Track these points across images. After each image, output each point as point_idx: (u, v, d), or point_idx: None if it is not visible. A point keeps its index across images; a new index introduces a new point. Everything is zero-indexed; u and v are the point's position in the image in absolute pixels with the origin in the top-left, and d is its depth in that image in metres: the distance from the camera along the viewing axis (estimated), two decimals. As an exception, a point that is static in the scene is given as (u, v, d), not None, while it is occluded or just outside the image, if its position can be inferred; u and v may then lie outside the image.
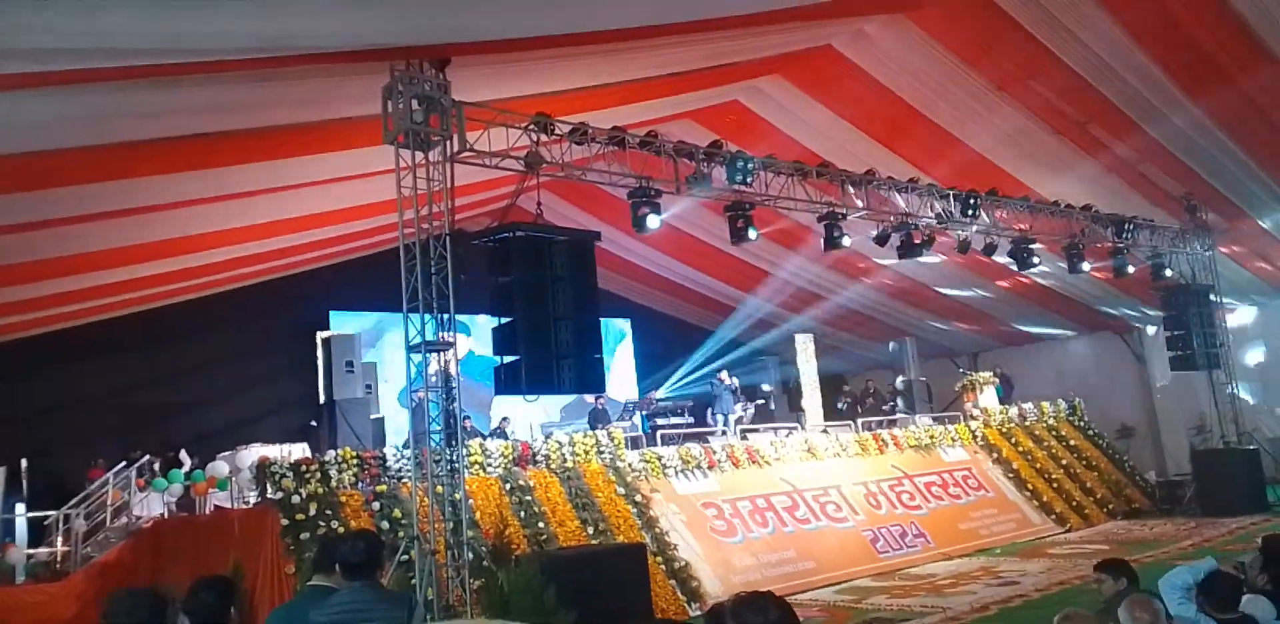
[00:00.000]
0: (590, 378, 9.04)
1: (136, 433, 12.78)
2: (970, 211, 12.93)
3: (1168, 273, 15.86)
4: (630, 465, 11.50)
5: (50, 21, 5.37)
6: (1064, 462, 16.12)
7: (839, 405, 17.33)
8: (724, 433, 14.43)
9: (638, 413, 15.75)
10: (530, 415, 14.79)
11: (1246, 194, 14.59)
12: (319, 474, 9.34)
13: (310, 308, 14.95)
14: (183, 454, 12.48)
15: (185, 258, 11.68)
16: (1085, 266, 14.66)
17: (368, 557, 3.68)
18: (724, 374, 15.58)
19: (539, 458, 10.88)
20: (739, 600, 2.33)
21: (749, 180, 10.73)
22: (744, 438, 13.86)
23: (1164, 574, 4.55)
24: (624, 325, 20.32)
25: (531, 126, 9.10)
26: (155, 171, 8.61)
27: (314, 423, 12.04)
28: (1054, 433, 16.83)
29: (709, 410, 15.64)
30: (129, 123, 7.50)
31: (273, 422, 12.83)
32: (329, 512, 9.10)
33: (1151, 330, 18.92)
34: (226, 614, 3.23)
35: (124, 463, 11.64)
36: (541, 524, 10.01)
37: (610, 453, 11.50)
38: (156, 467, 12.21)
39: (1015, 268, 14.54)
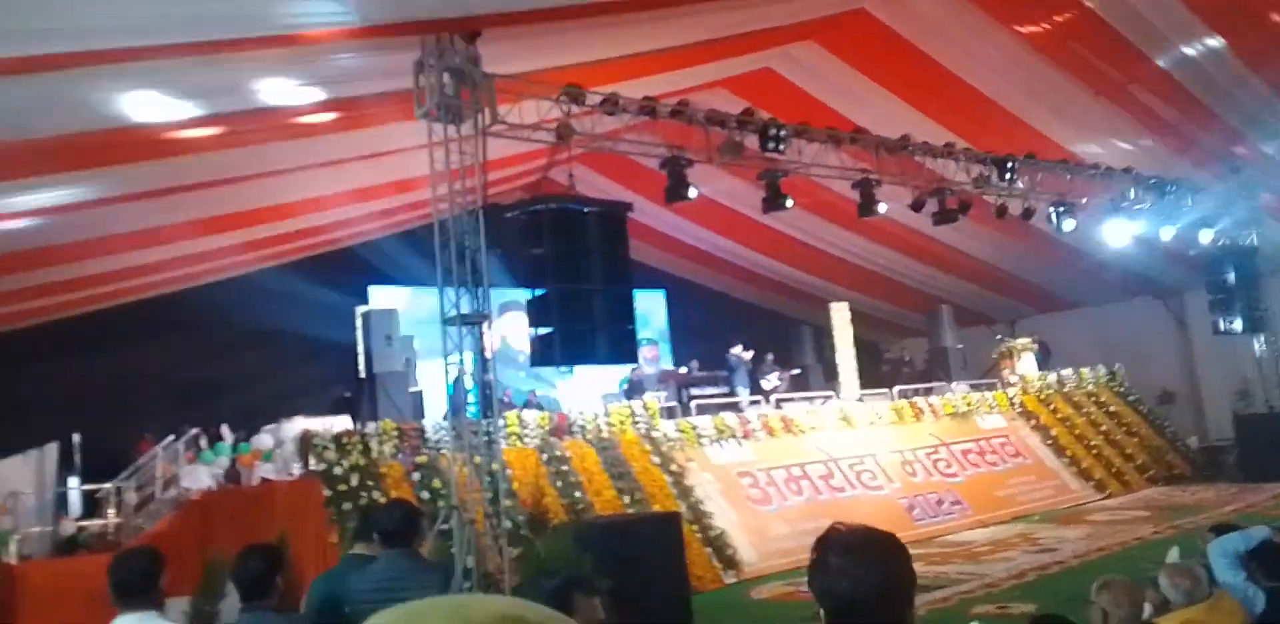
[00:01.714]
0: (624, 349, 9.09)
1: (184, 408, 13.06)
2: (1008, 175, 12.73)
3: (1210, 235, 15.53)
4: (665, 435, 11.59)
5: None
6: (1103, 428, 15.98)
7: (884, 367, 17.26)
8: (743, 406, 14.35)
9: (672, 384, 15.78)
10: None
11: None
12: (360, 446, 9.53)
13: (351, 283, 15.14)
14: (224, 429, 12.75)
15: (230, 234, 11.83)
16: (1127, 229, 14.40)
17: (405, 525, 3.78)
18: (738, 348, 15.53)
19: (575, 428, 11.00)
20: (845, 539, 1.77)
21: (782, 148, 10.64)
22: (779, 407, 13.89)
23: (1210, 541, 4.53)
24: (658, 297, 20.31)
25: (562, 98, 9.07)
26: (197, 149, 8.71)
27: (347, 394, 12.22)
28: (1093, 399, 16.68)
29: (730, 385, 15.58)
30: (178, 100, 7.60)
31: (315, 395, 13.04)
32: (370, 482, 9.29)
33: (1193, 294, 18.55)
34: (272, 581, 3.33)
35: (172, 437, 11.93)
36: (578, 494, 10.15)
37: (645, 423, 11.59)
38: (203, 441, 12.50)
39: (1053, 231, 14.31)
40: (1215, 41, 11.21)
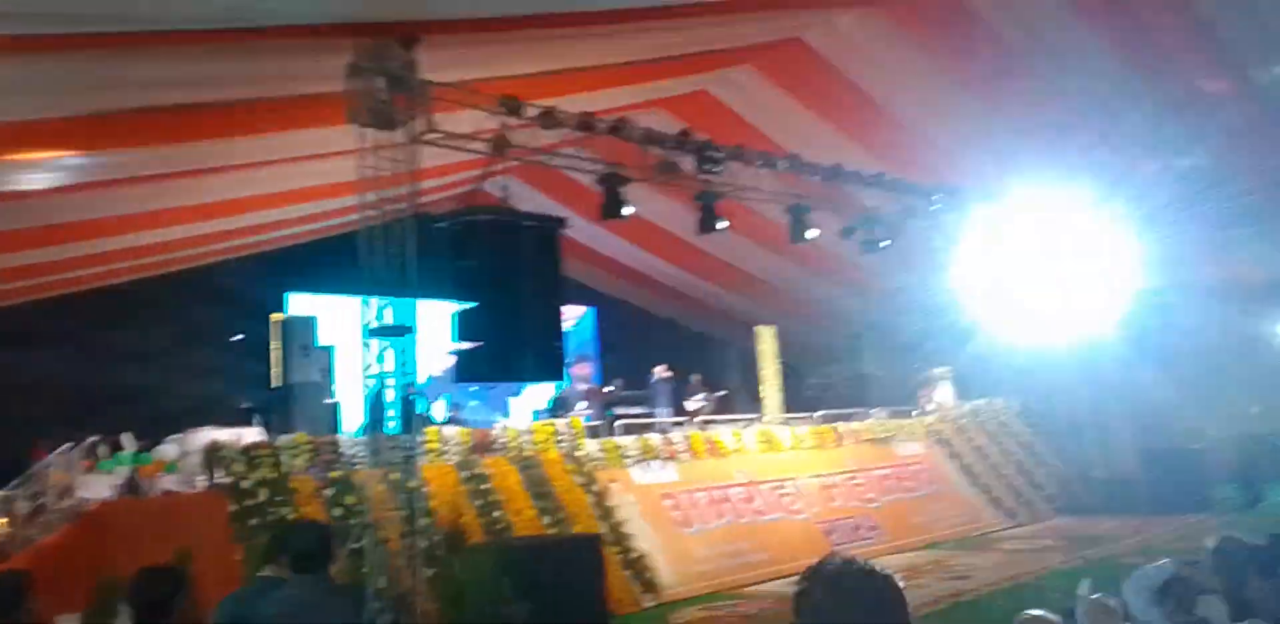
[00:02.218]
0: (551, 365, 8.95)
1: (83, 414, 12.42)
2: (933, 207, 12.99)
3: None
4: (589, 454, 11.44)
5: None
6: (1015, 457, 16.36)
7: (807, 391, 17.43)
8: (666, 428, 14.35)
9: (597, 402, 15.68)
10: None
11: (1208, 198, 14.80)
12: (270, 459, 9.17)
13: (268, 290, 14.68)
14: (125, 437, 12.14)
15: (138, 235, 11.35)
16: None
17: (318, 548, 3.58)
18: (661, 369, 15.56)
19: (497, 446, 10.78)
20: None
21: (718, 170, 10.67)
22: (704, 428, 13.87)
23: (1123, 573, 4.58)
24: (587, 313, 20.21)
25: (499, 109, 8.92)
26: (106, 146, 8.32)
27: (247, 405, 11.80)
28: (1006, 429, 17.07)
29: (650, 405, 15.58)
30: (80, 94, 7.23)
31: (225, 405, 12.57)
32: (280, 498, 8.93)
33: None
34: (170, 606, 3.11)
35: (69, 444, 11.32)
36: (498, 513, 9.92)
37: (569, 442, 11.43)
38: (103, 449, 11.88)
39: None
40: (1131, 77, 11.63)
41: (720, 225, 11.38)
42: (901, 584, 1.72)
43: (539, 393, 16.78)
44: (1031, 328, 19.99)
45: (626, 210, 10.36)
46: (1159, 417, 16.86)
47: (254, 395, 12.10)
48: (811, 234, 12.25)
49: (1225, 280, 17.74)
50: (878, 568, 1.70)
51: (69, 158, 8.26)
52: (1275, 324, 18.51)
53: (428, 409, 13.35)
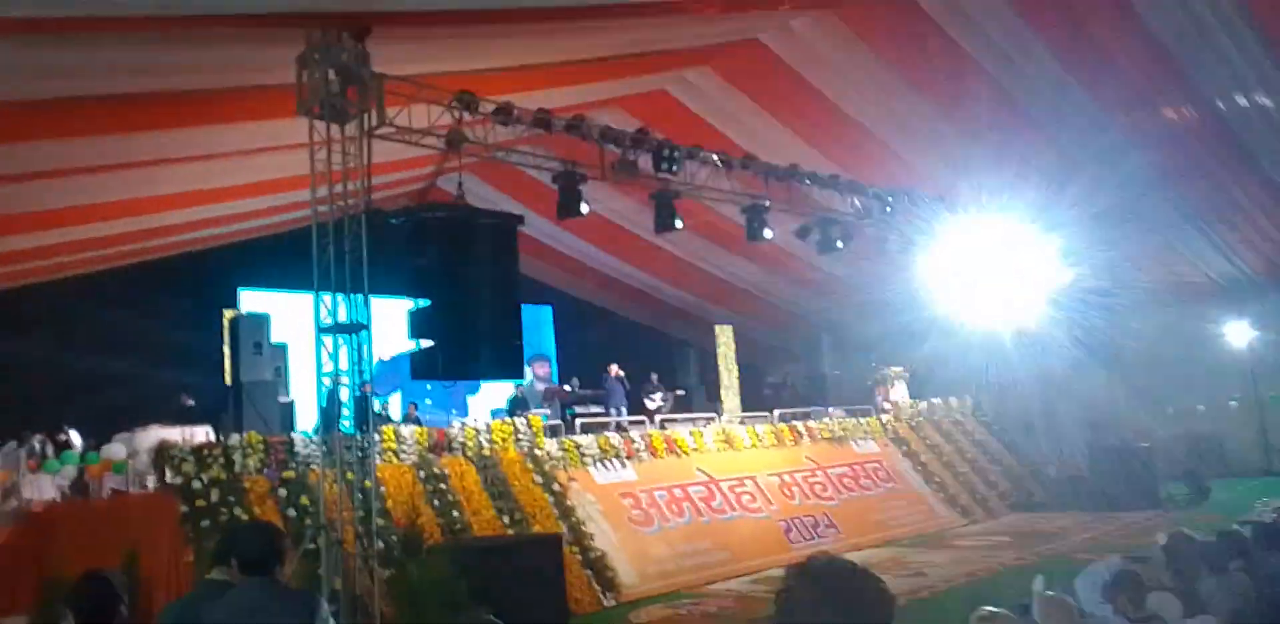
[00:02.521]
0: (509, 364, 8.88)
1: (27, 411, 12.12)
2: (887, 209, 13.13)
3: (1069, 274, 16.39)
4: (548, 454, 11.37)
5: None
6: (969, 455, 16.57)
7: (766, 390, 17.51)
8: (624, 425, 14.34)
9: (556, 401, 15.61)
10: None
11: (1148, 200, 15.12)
12: (222, 459, 8.98)
13: (219, 285, 14.42)
14: (72, 435, 11.85)
15: (84, 228, 11.07)
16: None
17: (267, 552, 3.47)
18: (614, 368, 15.57)
19: (455, 445, 10.67)
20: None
21: (675, 169, 10.68)
22: (663, 427, 13.86)
23: (1075, 570, 4.64)
24: (545, 312, 20.13)
25: (454, 104, 8.84)
26: (50, 135, 8.10)
27: (190, 402, 11.56)
28: (960, 427, 17.29)
29: (604, 405, 15.58)
30: (24, 80, 7.02)
31: (176, 403, 12.30)
32: (232, 498, 8.74)
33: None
34: (113, 612, 3.00)
35: (13, 442, 11.03)
36: (456, 513, 9.82)
37: (529, 441, 11.35)
38: (49, 448, 11.58)
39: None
40: (1073, 84, 11.84)
41: (677, 225, 11.39)
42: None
43: (497, 391, 16.69)
44: (983, 328, 20.37)
45: (583, 208, 10.33)
46: (1108, 415, 17.18)
47: (205, 393, 11.87)
48: (768, 234, 12.29)
49: (1171, 282, 18.17)
50: (861, 567, 1.66)
51: (6, 146, 8.01)
52: (1219, 325, 18.95)
53: (385, 405, 13.22)
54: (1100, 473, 16.02)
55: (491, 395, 17.12)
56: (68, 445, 11.74)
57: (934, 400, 17.48)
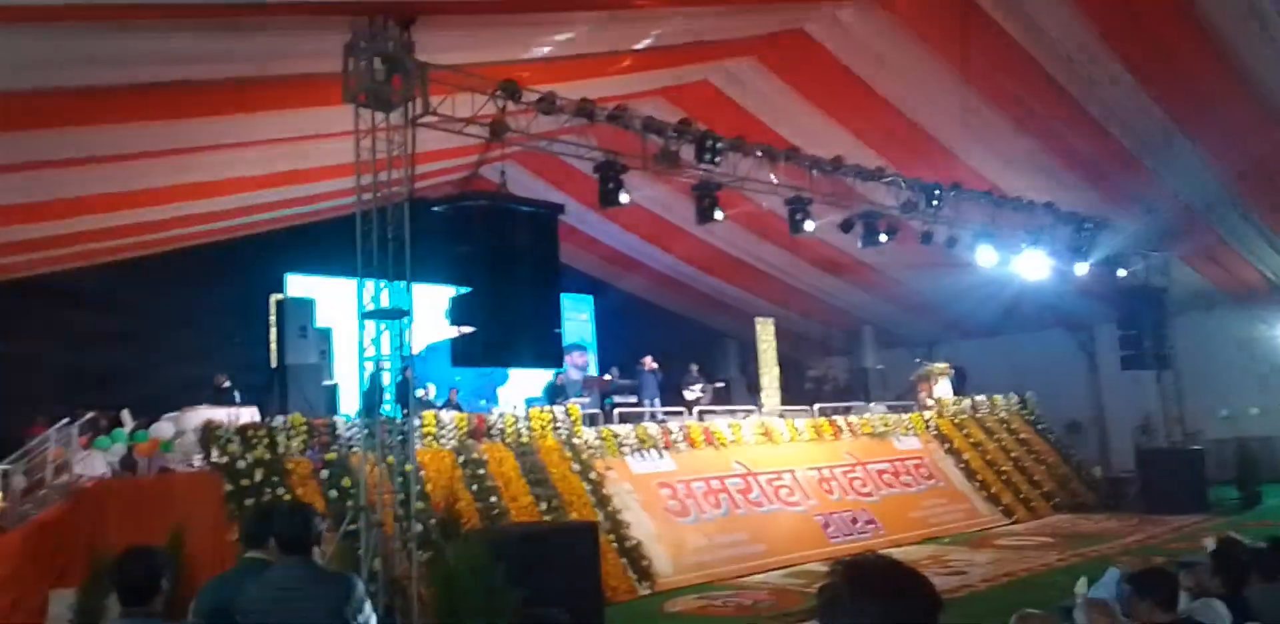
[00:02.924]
0: (548, 352, 8.91)
1: (81, 391, 12.44)
2: (934, 203, 12.96)
3: (1122, 273, 16.07)
4: (586, 442, 11.43)
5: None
6: (1013, 454, 16.31)
7: (807, 384, 17.42)
8: (659, 416, 14.36)
9: (595, 391, 15.65)
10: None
11: (1206, 200, 14.77)
12: (266, 440, 9.16)
13: (267, 270, 14.65)
14: (124, 414, 12.14)
15: (138, 212, 11.33)
16: (1042, 262, 14.76)
17: (304, 532, 3.51)
18: (647, 360, 15.56)
19: (494, 432, 10.76)
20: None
21: (717, 160, 10.63)
22: (701, 419, 13.85)
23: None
24: (586, 302, 20.18)
25: (498, 93, 8.88)
26: (107, 121, 8.29)
27: (226, 384, 11.77)
28: (1005, 425, 17.03)
29: (639, 396, 15.58)
30: (82, 68, 7.19)
31: (211, 384, 12.55)
32: (275, 478, 8.94)
33: (1103, 329, 19.17)
34: (154, 588, 3.07)
35: (66, 420, 11.33)
36: (494, 499, 9.91)
37: (567, 429, 11.41)
38: (101, 425, 11.89)
39: (974, 260, 14.59)
40: (1135, 86, 11.57)
41: (718, 216, 11.33)
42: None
43: (527, 381, 16.75)
44: (1030, 325, 20.06)
45: (624, 198, 10.32)
46: (1157, 416, 16.82)
47: (252, 375, 12.08)
48: (810, 227, 12.20)
49: (1226, 281, 17.73)
50: (908, 565, 1.63)
51: (61, 133, 8.21)
52: (1275, 326, 18.44)
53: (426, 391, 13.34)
54: (1148, 475, 15.72)
55: (522, 385, 17.18)
56: (118, 424, 12.04)
57: (978, 397, 17.23)
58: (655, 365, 15.58)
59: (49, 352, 12.84)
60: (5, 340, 12.25)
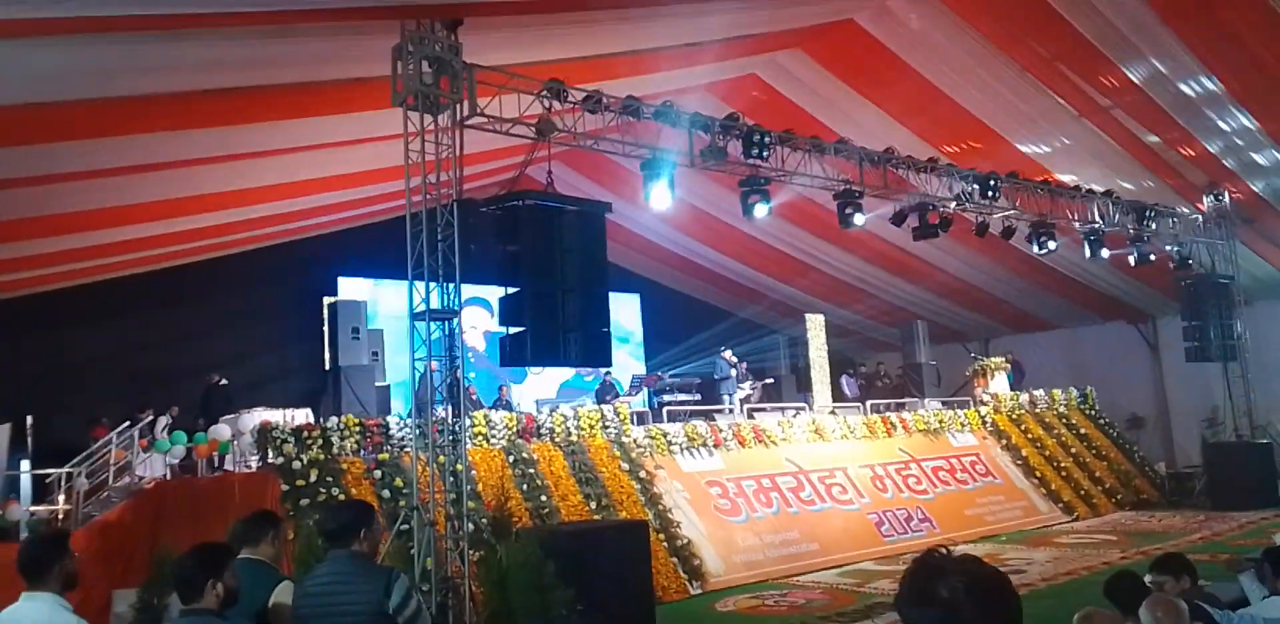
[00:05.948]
0: (597, 351, 8.88)
1: (141, 393, 12.74)
2: (989, 193, 12.70)
3: (1188, 262, 15.61)
4: (635, 441, 11.41)
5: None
6: (1073, 450, 15.96)
7: (858, 381, 17.29)
8: (730, 411, 14.31)
9: (644, 389, 15.63)
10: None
11: (1274, 186, 14.30)
12: (320, 441, 9.30)
13: (319, 273, 14.87)
14: (180, 417, 12.41)
15: (193, 218, 11.55)
16: (1104, 253, 14.40)
17: (344, 524, 3.59)
18: (729, 354, 15.45)
19: (543, 431, 10.79)
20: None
21: (765, 155, 10.53)
22: (751, 417, 13.76)
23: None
24: (633, 300, 20.15)
25: (544, 93, 8.89)
26: (161, 128, 8.44)
27: (222, 382, 11.88)
28: (1064, 421, 16.67)
29: (717, 390, 15.50)
30: (137, 76, 7.33)
31: (277, 387, 12.78)
32: (330, 478, 9.08)
33: (1166, 320, 18.66)
34: (210, 584, 3.11)
35: (128, 423, 11.61)
36: (544, 498, 9.94)
37: (615, 428, 11.41)
38: (160, 429, 12.16)
39: (1032, 252, 14.29)
40: (1198, 69, 11.21)
41: (767, 211, 11.22)
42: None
43: (543, 380, 16.71)
44: (1090, 317, 19.59)
45: (672, 195, 10.27)
46: (1224, 410, 16.31)
47: (307, 377, 12.26)
48: (859, 220, 12.02)
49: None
50: (991, 565, 1.60)
51: (121, 138, 8.38)
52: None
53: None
54: (1215, 470, 15.29)
55: (537, 384, 17.18)
56: (178, 427, 12.30)
57: (1036, 392, 16.88)
58: (735, 359, 15.48)
59: (110, 357, 13.15)
60: (70, 346, 12.58)
